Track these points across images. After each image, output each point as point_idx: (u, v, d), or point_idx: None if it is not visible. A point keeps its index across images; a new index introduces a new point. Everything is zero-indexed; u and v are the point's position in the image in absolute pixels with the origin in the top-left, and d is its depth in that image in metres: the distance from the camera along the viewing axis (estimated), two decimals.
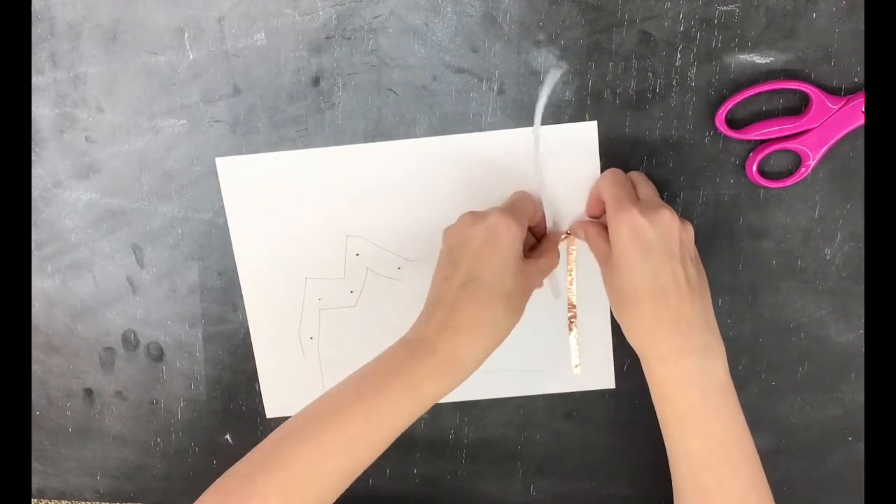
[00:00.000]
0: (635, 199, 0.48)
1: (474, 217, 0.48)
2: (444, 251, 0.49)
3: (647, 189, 0.49)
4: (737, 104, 0.51)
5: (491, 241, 0.46)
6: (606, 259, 0.49)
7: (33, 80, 0.54)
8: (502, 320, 0.46)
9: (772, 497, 0.47)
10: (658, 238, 0.45)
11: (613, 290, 0.48)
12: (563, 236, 0.54)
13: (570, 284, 0.55)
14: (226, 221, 0.56)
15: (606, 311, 0.56)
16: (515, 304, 0.47)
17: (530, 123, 0.53)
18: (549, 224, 0.54)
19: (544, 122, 0.53)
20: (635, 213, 0.46)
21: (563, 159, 0.53)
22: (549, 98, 0.52)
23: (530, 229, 0.52)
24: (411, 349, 0.46)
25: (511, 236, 0.46)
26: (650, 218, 0.45)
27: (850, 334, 0.55)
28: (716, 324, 0.47)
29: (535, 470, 0.59)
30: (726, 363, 0.47)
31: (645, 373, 0.47)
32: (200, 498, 0.45)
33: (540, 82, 0.52)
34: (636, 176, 0.51)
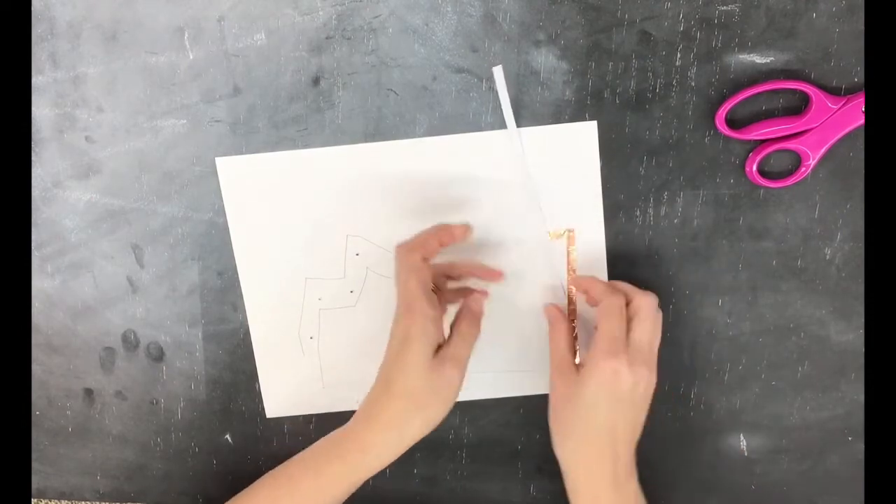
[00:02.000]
0: (625, 339, 0.49)
1: (396, 316, 0.48)
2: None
3: (641, 328, 0.49)
4: (737, 104, 0.51)
5: (403, 346, 0.47)
6: (562, 369, 0.51)
7: (33, 80, 0.54)
8: (415, 421, 0.48)
9: None
10: (631, 390, 0.49)
11: (564, 412, 0.51)
12: (561, 234, 0.54)
13: (571, 284, 0.55)
14: (226, 221, 0.56)
15: None
16: (425, 402, 0.48)
17: (530, 123, 0.53)
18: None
19: (544, 121, 0.53)
20: (623, 364, 0.48)
21: (562, 159, 0.54)
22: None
23: (447, 275, 0.53)
24: (341, 441, 0.50)
25: (417, 347, 0.47)
26: (634, 371, 0.48)
27: (850, 334, 0.55)
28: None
29: (535, 469, 0.59)
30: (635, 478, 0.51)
31: (568, 493, 0.52)
32: None
33: (490, 87, 0.52)
34: (644, 308, 0.50)
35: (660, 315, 0.50)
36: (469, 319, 0.51)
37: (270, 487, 0.52)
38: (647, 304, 0.49)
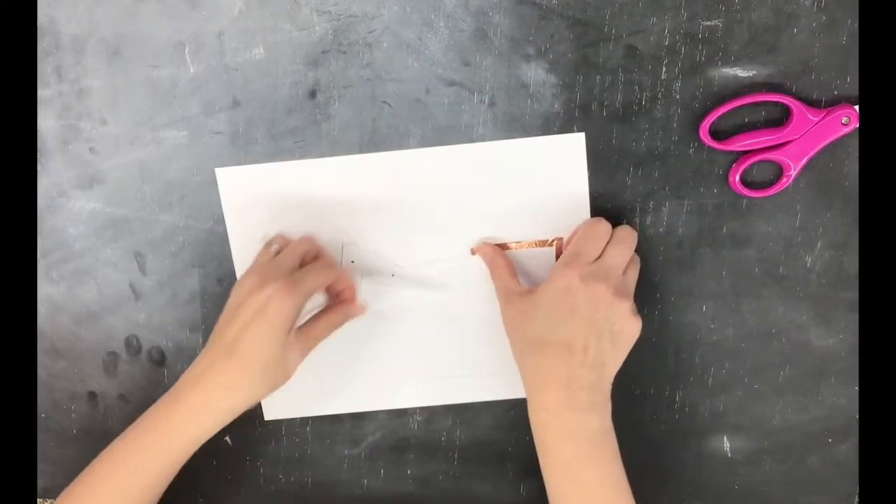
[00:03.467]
0: (591, 259, 0.50)
1: (259, 282, 0.49)
2: (230, 303, 0.52)
3: (615, 252, 0.51)
4: (720, 116, 0.52)
5: (261, 314, 0.49)
6: (510, 295, 0.52)
7: (39, 92, 0.55)
8: (258, 386, 0.51)
9: None
10: (586, 305, 0.48)
11: (521, 330, 0.51)
12: (549, 243, 0.56)
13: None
14: (225, 230, 0.57)
15: None
16: (273, 372, 0.51)
17: (520, 135, 0.54)
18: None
19: (533, 133, 0.54)
20: (575, 276, 0.49)
21: (550, 170, 0.55)
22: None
23: (329, 288, 0.55)
24: (172, 397, 0.52)
25: (281, 314, 0.49)
26: (588, 285, 0.48)
27: (829, 339, 0.57)
28: (609, 383, 0.50)
29: (525, 470, 0.60)
30: (607, 418, 0.50)
31: (529, 417, 0.51)
32: None
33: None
34: (620, 234, 0.52)
35: (634, 237, 0.52)
36: (342, 313, 0.55)
37: (94, 479, 0.52)
38: (623, 231, 0.52)
